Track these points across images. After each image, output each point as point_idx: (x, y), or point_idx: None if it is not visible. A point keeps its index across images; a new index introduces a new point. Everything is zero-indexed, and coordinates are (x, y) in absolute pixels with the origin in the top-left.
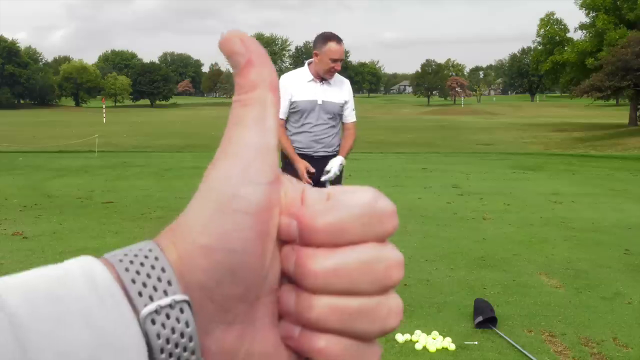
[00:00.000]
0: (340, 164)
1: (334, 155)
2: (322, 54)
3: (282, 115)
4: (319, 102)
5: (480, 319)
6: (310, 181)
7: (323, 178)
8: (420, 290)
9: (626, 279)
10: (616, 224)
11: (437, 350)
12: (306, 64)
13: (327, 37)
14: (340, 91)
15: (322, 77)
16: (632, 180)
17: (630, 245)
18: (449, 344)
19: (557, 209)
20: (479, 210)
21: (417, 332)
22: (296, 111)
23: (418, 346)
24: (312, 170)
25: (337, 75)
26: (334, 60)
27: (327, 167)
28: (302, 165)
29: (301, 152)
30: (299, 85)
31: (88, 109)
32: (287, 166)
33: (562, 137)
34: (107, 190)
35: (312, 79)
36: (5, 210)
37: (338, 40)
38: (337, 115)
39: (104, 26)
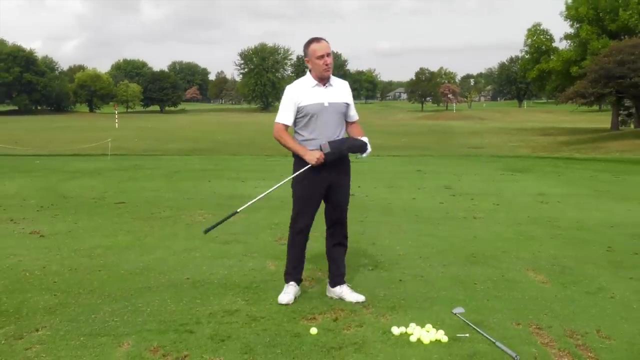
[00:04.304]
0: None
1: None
2: (310, 58)
3: (288, 121)
4: (325, 104)
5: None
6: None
7: (363, 155)
8: (415, 285)
9: (609, 274)
10: (599, 223)
11: (431, 342)
12: (308, 72)
13: (308, 42)
14: (342, 93)
15: (325, 80)
16: (614, 182)
17: (612, 242)
18: (442, 336)
19: (543, 208)
20: (470, 210)
21: (412, 325)
22: (305, 115)
23: (413, 338)
24: (322, 160)
25: (336, 78)
26: (321, 57)
27: (365, 139)
28: (314, 155)
29: None
30: (304, 91)
31: (101, 115)
32: (299, 164)
33: (549, 140)
34: (119, 192)
35: (317, 84)
36: (24, 210)
37: (318, 39)
38: (342, 115)
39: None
